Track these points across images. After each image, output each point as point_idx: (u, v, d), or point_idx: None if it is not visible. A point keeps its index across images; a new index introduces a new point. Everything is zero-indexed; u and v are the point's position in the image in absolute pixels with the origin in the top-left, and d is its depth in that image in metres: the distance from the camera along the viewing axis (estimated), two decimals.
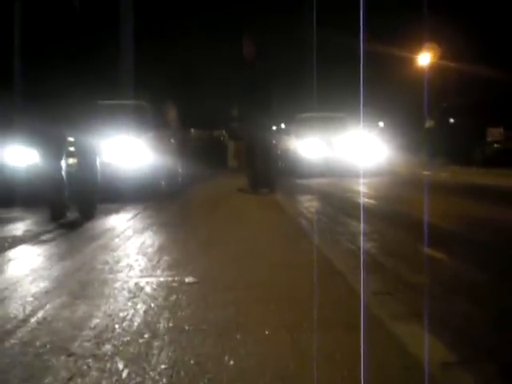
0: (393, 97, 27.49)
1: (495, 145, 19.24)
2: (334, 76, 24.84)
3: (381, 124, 28.14)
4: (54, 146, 6.03)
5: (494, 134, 18.20)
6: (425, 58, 26.15)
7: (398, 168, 16.67)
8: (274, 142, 10.48)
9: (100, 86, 6.09)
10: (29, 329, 2.52)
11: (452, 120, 20.91)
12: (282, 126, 21.86)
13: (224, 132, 23.21)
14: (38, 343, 2.34)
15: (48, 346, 2.31)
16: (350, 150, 14.89)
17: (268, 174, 9.49)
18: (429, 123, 22.45)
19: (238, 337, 2.36)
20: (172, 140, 11.86)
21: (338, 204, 8.29)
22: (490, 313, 2.82)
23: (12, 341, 2.37)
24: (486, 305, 2.94)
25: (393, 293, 3.11)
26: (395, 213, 7.22)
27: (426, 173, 14.33)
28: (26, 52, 6.02)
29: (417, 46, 25.83)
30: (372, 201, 8.69)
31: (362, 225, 5.80)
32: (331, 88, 24.04)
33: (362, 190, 10.43)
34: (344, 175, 13.30)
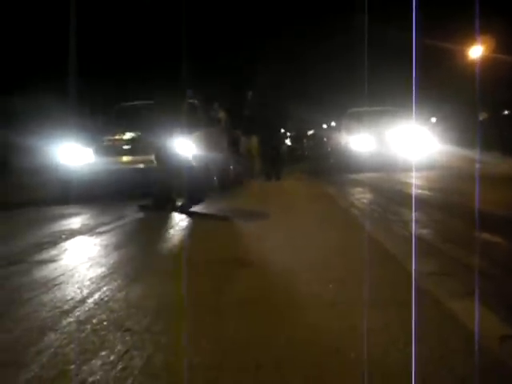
0: (445, 90, 26.97)
1: None
2: (386, 71, 24.53)
3: (433, 118, 27.66)
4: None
5: None
6: (477, 51, 25.59)
7: (450, 161, 16.33)
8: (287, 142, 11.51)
9: None
10: (86, 308, 2.58)
11: (506, 112, 20.41)
12: (333, 123, 21.73)
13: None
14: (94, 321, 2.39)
15: (105, 323, 2.36)
16: (401, 143, 14.67)
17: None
18: (482, 116, 21.94)
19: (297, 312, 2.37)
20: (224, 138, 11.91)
21: (389, 195, 8.19)
22: None
23: (72, 319, 2.44)
24: None
25: (450, 273, 3.05)
26: (448, 202, 7.07)
27: (478, 166, 13.98)
28: None
29: (469, 39, 25.30)
30: (424, 191, 8.54)
31: (413, 213, 5.70)
32: (383, 83, 23.73)
33: (414, 182, 10.24)
34: (395, 169, 13.11)
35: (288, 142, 28.75)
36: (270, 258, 3.55)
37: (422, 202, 6.82)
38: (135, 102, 10.34)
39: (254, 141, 13.55)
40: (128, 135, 9.28)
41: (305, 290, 2.74)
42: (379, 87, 23.80)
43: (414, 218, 5.25)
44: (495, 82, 24.67)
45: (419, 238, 4.17)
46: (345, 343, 2.02)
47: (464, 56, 26.54)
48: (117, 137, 9.30)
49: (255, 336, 2.14)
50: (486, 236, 4.20)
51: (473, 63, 25.51)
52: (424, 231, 4.57)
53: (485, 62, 25.32)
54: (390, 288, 2.73)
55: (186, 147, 7.37)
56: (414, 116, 16.00)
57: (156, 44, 6.68)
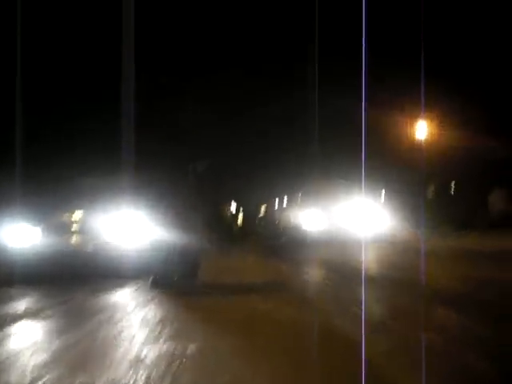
0: (393, 164, 27.69)
1: (498, 208, 19.26)
2: (337, 145, 25.04)
3: (382, 192, 28.25)
4: None
5: (497, 197, 18.26)
6: (422, 127, 26.51)
7: (398, 237, 16.61)
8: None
9: None
10: None
11: (453, 188, 21.05)
12: (285, 199, 21.96)
13: None
14: None
15: None
16: (351, 219, 14.93)
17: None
18: (430, 193, 22.56)
19: None
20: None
21: (340, 273, 8.28)
22: None
23: None
24: None
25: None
26: (393, 279, 7.17)
27: (424, 241, 14.30)
28: None
29: (416, 115, 26.23)
30: (376, 270, 8.67)
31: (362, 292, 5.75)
32: (334, 157, 24.19)
33: (364, 259, 10.37)
34: (345, 246, 13.24)
35: (240, 217, 28.73)
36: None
37: (368, 280, 6.89)
38: (91, 178, 10.29)
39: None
40: (77, 214, 9.20)
41: None
42: (331, 161, 24.32)
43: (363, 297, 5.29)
44: (442, 159, 25.50)
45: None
46: None
47: (412, 131, 27.44)
48: (66, 216, 9.20)
49: None
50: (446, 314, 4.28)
51: (419, 139, 26.38)
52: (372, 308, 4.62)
53: (432, 137, 26.20)
54: None
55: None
56: (362, 189, 16.32)
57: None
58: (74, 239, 8.85)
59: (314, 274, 8.08)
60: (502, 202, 17.79)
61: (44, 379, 2.79)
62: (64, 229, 8.88)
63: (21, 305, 5.78)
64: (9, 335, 4.06)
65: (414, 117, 25.30)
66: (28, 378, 2.81)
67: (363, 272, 7.94)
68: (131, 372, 2.85)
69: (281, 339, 3.53)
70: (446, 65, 22.97)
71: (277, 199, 26.27)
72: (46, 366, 3.04)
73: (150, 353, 3.23)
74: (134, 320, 4.51)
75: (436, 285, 5.79)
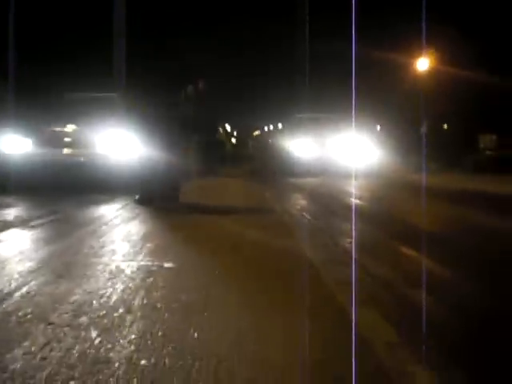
0: (390, 101, 27.65)
1: (487, 152, 19.46)
2: (332, 80, 24.99)
3: (376, 127, 28.32)
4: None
5: (486, 140, 18.43)
6: (423, 63, 26.33)
7: (388, 171, 16.86)
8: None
9: None
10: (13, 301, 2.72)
11: (446, 126, 21.12)
12: (279, 126, 22.00)
13: None
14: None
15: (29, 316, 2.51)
16: (343, 151, 15.09)
17: None
18: (423, 129, 22.63)
19: None
20: None
21: (322, 202, 8.51)
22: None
23: None
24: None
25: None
26: (374, 212, 7.42)
27: (414, 177, 14.51)
28: None
29: (415, 51, 25.98)
30: (356, 200, 8.89)
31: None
32: (329, 91, 24.19)
33: (349, 190, 10.61)
34: (334, 176, 13.48)
35: (233, 140, 28.92)
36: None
37: (350, 211, 7.14)
38: (82, 94, 10.36)
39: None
40: (71, 127, 9.32)
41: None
42: (326, 93, 24.25)
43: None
44: (438, 95, 25.46)
45: (339, 247, 4.46)
46: None
47: (410, 68, 27.25)
48: (58, 128, 9.32)
49: None
50: (399, 247, 4.51)
51: (419, 75, 26.24)
52: (346, 240, 4.85)
53: (430, 74, 26.08)
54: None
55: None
56: (355, 124, 16.42)
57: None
58: (65, 151, 9.02)
59: (293, 203, 8.29)
60: (492, 147, 17.94)
61: (29, 285, 3.01)
62: (55, 141, 9.04)
63: (9, 214, 5.99)
64: None
65: (412, 53, 25.06)
66: (14, 284, 3.02)
67: (342, 202, 8.24)
68: (109, 283, 3.07)
69: (253, 258, 3.77)
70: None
71: (271, 126, 26.40)
72: (30, 274, 3.26)
73: (129, 267, 3.45)
74: (117, 235, 4.73)
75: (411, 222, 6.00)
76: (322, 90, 22.88)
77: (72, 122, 9.30)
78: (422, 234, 5.41)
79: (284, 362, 2.06)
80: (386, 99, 26.20)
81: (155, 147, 8.79)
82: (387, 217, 6.92)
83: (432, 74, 25.87)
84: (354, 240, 4.75)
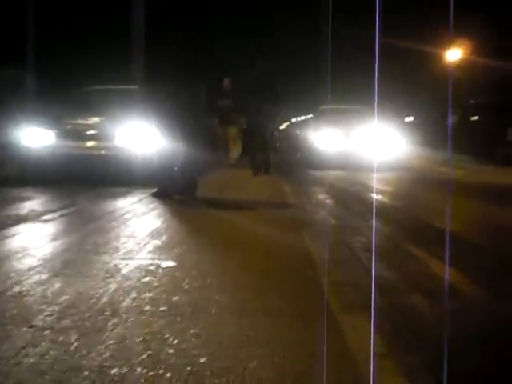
0: (418, 92, 27.29)
1: None
2: (357, 71, 24.74)
3: (403, 119, 27.97)
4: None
5: None
6: (453, 54, 25.91)
7: (415, 164, 16.61)
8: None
9: None
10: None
11: (475, 118, 20.70)
12: (303, 118, 21.80)
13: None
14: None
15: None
16: (367, 143, 14.88)
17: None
18: (451, 119, 22.22)
19: None
20: None
21: (343, 197, 8.41)
22: None
23: None
24: None
25: (354, 284, 3.26)
26: (394, 209, 7.28)
27: (442, 170, 14.26)
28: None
29: (446, 42, 25.56)
30: (378, 196, 8.75)
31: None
32: (354, 82, 23.96)
33: (372, 184, 10.44)
34: (358, 169, 13.31)
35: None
36: None
37: (370, 207, 7.01)
38: (103, 86, 10.42)
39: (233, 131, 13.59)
40: (93, 120, 9.36)
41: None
42: (352, 85, 24.04)
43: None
44: (469, 87, 25.01)
45: (349, 247, 4.38)
46: None
47: (440, 58, 26.84)
48: (80, 121, 9.37)
49: None
50: (418, 253, 4.38)
51: (449, 66, 25.83)
52: (359, 240, 4.76)
53: (460, 65, 25.66)
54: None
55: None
56: (380, 116, 16.22)
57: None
58: (88, 144, 9.06)
59: (312, 197, 8.21)
60: None
61: (22, 284, 3.01)
62: (78, 134, 9.08)
63: (24, 207, 6.04)
64: (3, 238, 4.30)
65: (442, 42, 24.62)
66: (8, 283, 3.03)
67: (362, 198, 8.12)
68: (102, 284, 3.06)
69: (256, 258, 3.74)
70: None
71: (298, 118, 26.27)
72: (27, 272, 3.26)
73: (127, 266, 3.43)
74: (125, 231, 4.72)
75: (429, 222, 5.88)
76: (347, 81, 22.66)
77: (95, 115, 9.34)
78: (446, 237, 5.11)
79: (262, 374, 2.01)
80: (413, 90, 25.85)
81: (175, 140, 8.77)
82: (409, 216, 6.63)
83: (463, 64, 25.44)
84: (372, 241, 4.61)
